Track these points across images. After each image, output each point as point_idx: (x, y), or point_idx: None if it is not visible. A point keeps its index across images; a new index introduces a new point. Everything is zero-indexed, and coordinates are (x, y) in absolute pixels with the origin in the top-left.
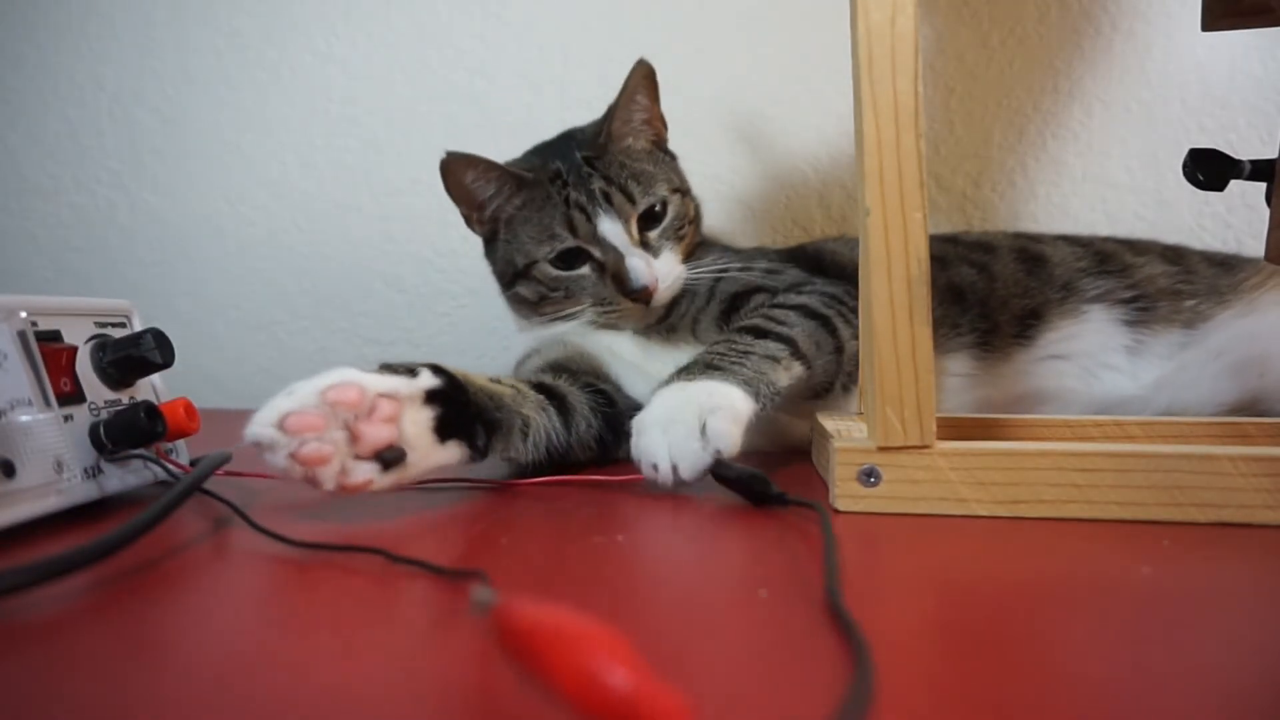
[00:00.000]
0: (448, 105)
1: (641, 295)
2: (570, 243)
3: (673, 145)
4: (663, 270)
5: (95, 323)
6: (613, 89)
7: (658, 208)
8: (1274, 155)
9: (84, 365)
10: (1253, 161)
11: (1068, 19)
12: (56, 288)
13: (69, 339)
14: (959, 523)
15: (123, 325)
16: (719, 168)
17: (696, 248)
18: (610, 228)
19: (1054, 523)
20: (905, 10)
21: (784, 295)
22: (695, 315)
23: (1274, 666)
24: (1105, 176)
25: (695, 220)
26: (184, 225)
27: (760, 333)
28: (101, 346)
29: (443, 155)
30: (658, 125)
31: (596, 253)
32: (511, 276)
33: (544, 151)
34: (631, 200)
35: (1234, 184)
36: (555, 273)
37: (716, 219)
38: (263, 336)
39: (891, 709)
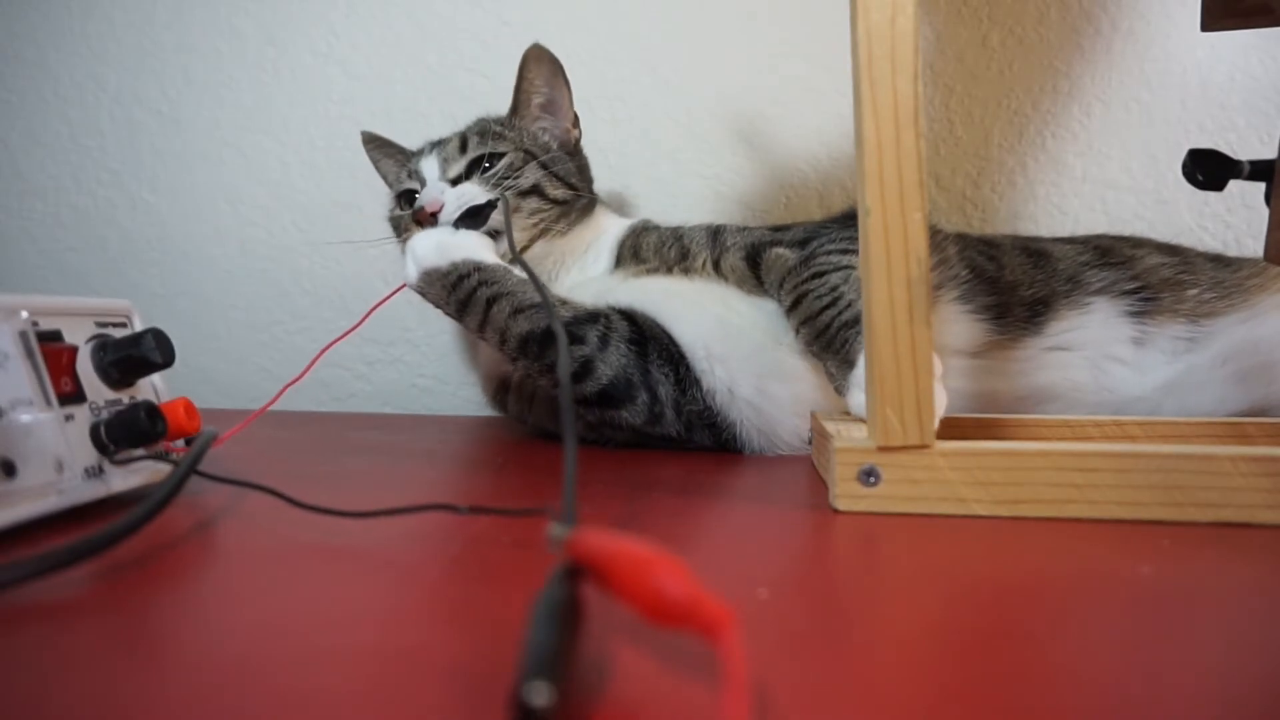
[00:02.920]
0: (448, 105)
1: (419, 215)
2: (402, 185)
3: (674, 146)
4: (451, 194)
5: (96, 323)
6: (612, 90)
7: (487, 161)
8: (1273, 155)
9: (85, 365)
10: (1252, 161)
11: (1068, 19)
12: (56, 288)
13: (69, 339)
14: (959, 523)
15: (123, 325)
16: (719, 168)
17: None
18: (428, 166)
19: (1054, 523)
20: (905, 10)
21: (814, 264)
22: (715, 259)
23: (1274, 666)
24: (1105, 176)
25: (554, 200)
26: (184, 225)
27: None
28: (102, 346)
29: (361, 134)
30: (565, 122)
31: (416, 187)
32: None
33: None
34: (464, 148)
35: (1233, 184)
36: (398, 212)
37: (716, 219)
38: (263, 337)
39: (892, 709)
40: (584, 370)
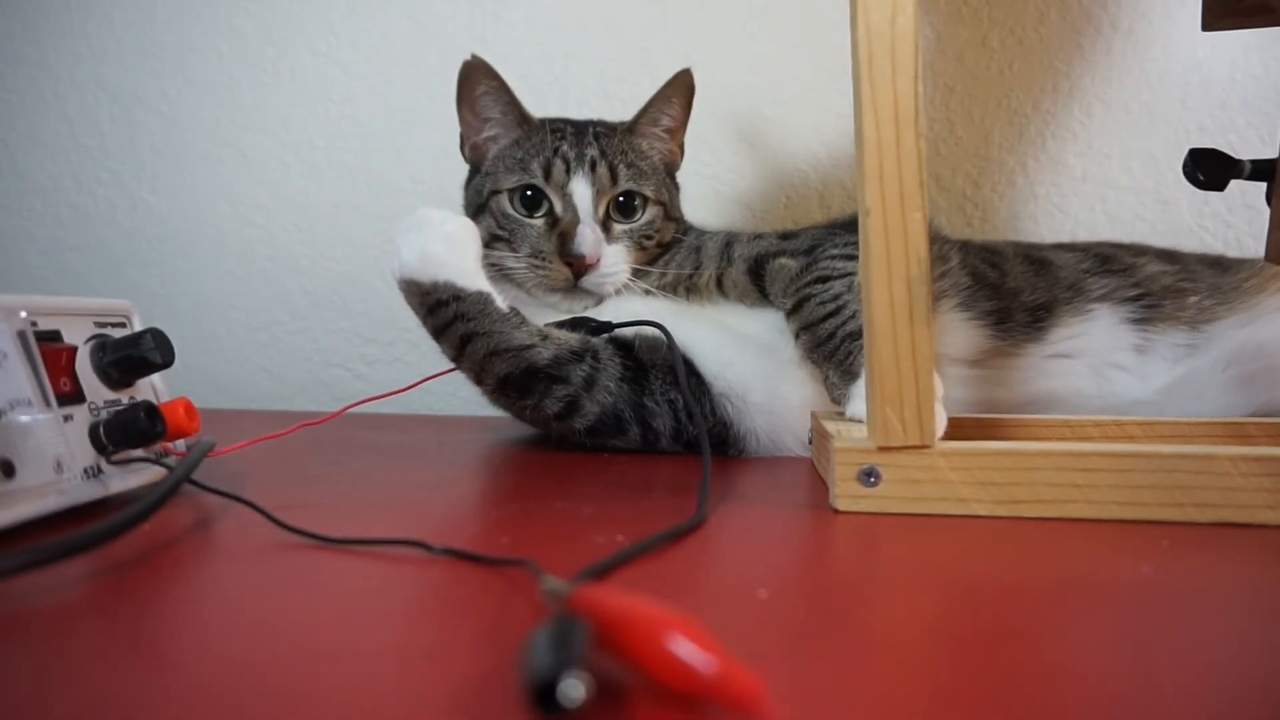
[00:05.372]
0: (448, 105)
1: (576, 262)
2: (538, 182)
3: None
4: (608, 257)
5: (95, 323)
6: (611, 90)
7: (636, 201)
8: (1274, 155)
9: (84, 365)
10: (1253, 161)
11: (1068, 19)
12: (56, 288)
13: (69, 339)
14: (959, 523)
15: (123, 325)
16: (719, 168)
17: (670, 246)
18: (581, 190)
19: (1054, 522)
20: (905, 10)
21: (817, 269)
22: (716, 275)
23: (1274, 666)
24: (1105, 177)
25: (663, 245)
26: (184, 225)
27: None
28: (101, 346)
29: (468, 57)
30: (675, 145)
31: (557, 206)
32: (475, 209)
33: (564, 119)
34: (614, 179)
35: (1234, 184)
36: (510, 210)
37: (716, 220)
38: (263, 336)
39: (892, 709)
40: (569, 409)
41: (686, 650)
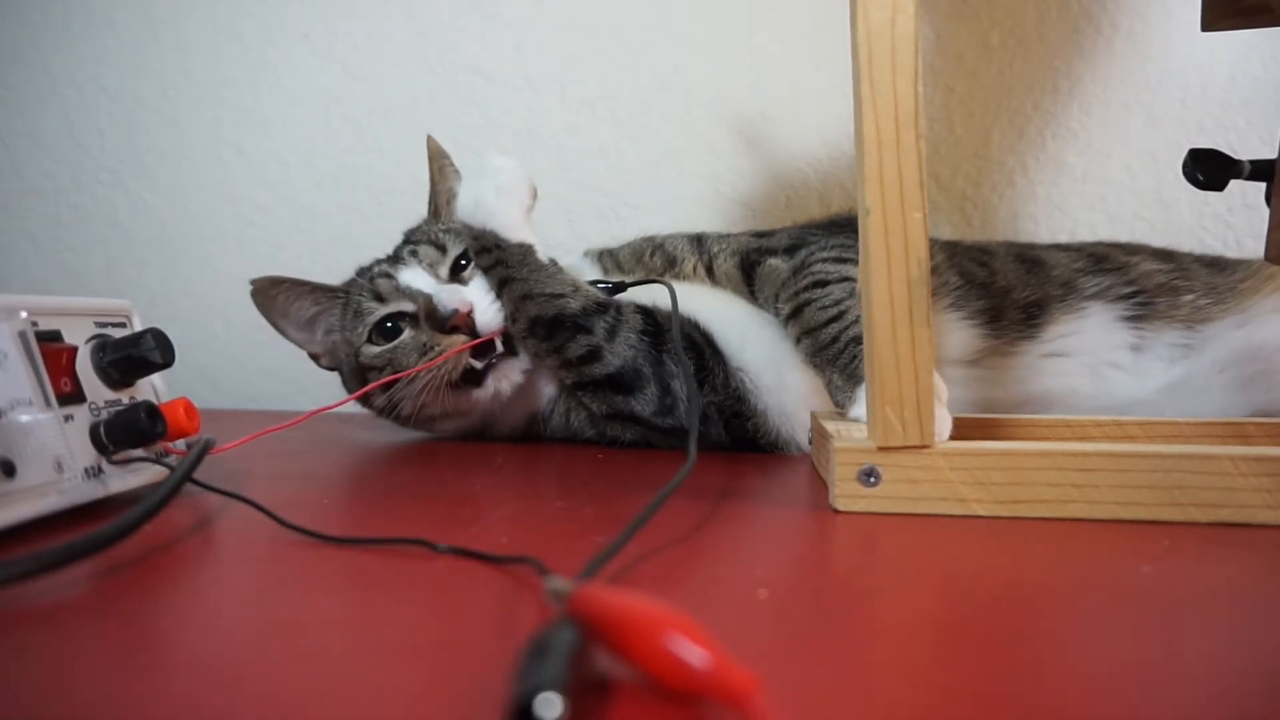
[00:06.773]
0: (448, 105)
1: (455, 321)
2: (379, 311)
3: (675, 146)
4: (477, 294)
5: (95, 323)
6: (612, 90)
7: (463, 259)
8: (1274, 155)
9: (84, 365)
10: (1253, 161)
11: (1068, 19)
12: (56, 288)
13: (69, 339)
14: (959, 523)
15: (123, 325)
16: (719, 168)
17: None
18: (412, 275)
19: (1054, 523)
20: (905, 10)
21: (811, 272)
22: (707, 265)
23: (1274, 666)
24: (1105, 176)
25: None
26: (184, 225)
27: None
28: (102, 346)
29: (249, 285)
30: None
31: (408, 306)
32: (359, 384)
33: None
34: (442, 249)
35: (1234, 184)
36: (378, 350)
37: (717, 220)
38: (263, 336)
39: (891, 709)
40: (591, 356)
41: (681, 647)
